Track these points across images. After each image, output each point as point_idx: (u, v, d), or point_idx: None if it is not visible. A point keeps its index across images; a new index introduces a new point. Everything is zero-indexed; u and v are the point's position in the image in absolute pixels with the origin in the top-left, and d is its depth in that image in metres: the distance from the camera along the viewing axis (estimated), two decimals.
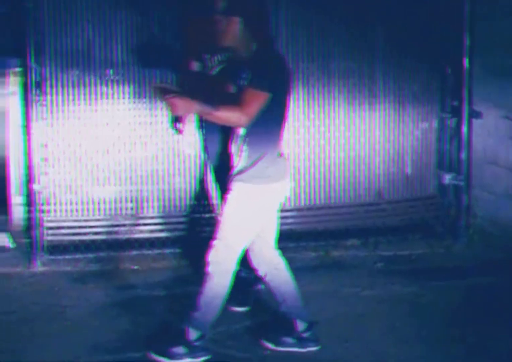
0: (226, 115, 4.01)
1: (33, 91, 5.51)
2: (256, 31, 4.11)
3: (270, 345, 4.44)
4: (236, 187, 4.19)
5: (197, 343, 4.28)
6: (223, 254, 4.21)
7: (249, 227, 4.25)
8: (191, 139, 5.53)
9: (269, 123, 4.11)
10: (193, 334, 4.27)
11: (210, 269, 4.21)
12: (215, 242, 4.22)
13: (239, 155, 4.18)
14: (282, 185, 4.26)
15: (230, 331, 4.63)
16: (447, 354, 4.37)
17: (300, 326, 4.42)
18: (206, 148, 4.92)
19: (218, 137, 4.71)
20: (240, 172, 4.17)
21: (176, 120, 5.10)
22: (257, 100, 4.00)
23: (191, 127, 5.00)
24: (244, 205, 4.20)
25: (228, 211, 4.22)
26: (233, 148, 4.23)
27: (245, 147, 4.15)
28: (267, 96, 4.02)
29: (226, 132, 4.35)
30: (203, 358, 4.28)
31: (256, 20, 4.12)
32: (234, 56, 4.30)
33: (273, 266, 4.41)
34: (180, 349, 4.26)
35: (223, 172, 4.42)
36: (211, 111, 4.00)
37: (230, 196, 4.22)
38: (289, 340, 4.42)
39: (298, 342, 4.42)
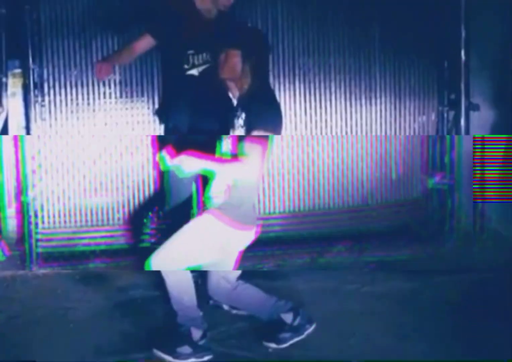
0: (232, 171, 3.96)
1: (33, 92, 5.54)
2: (255, 66, 4.12)
3: (273, 345, 4.46)
4: (206, 217, 4.13)
5: (200, 343, 4.33)
6: (164, 261, 4.13)
7: (197, 256, 4.15)
8: None
9: None
10: (196, 334, 4.34)
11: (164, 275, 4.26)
12: (161, 249, 4.15)
13: (220, 197, 4.12)
14: (247, 234, 4.21)
15: (231, 330, 4.64)
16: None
17: (288, 318, 4.46)
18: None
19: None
20: (214, 207, 4.11)
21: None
22: (259, 151, 3.95)
23: None
24: (203, 235, 4.12)
25: (187, 232, 4.15)
26: (215, 189, 4.14)
27: (226, 190, 4.10)
28: (267, 144, 4.00)
29: None
30: (206, 358, 4.32)
31: (256, 56, 4.15)
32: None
33: (230, 291, 4.40)
34: (185, 349, 4.30)
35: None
36: (217, 168, 3.95)
37: (197, 220, 4.17)
38: (287, 335, 4.46)
39: (295, 332, 4.46)
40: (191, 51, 4.87)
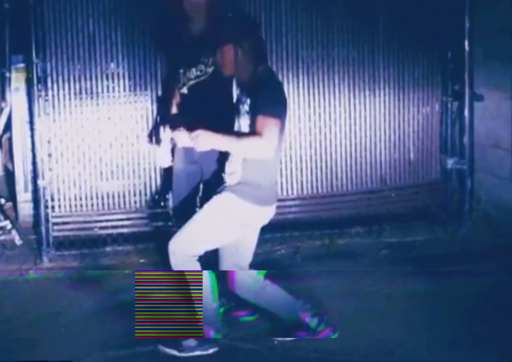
0: (249, 147, 3.96)
1: (37, 87, 5.49)
2: (252, 55, 4.08)
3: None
4: (227, 195, 4.13)
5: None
6: (181, 246, 4.15)
7: (219, 236, 4.18)
8: (166, 151, 4.93)
9: None
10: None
11: (172, 261, 4.17)
12: (179, 232, 4.17)
13: (234, 177, 4.12)
14: (268, 210, 4.21)
15: (237, 323, 4.60)
16: (454, 343, 4.36)
17: (313, 323, 4.39)
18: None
19: (213, 155, 4.56)
20: (235, 185, 4.11)
21: (154, 131, 5.09)
22: (276, 127, 3.95)
23: (167, 138, 4.78)
24: (225, 214, 4.13)
25: (208, 211, 4.16)
26: (228, 169, 4.16)
27: (240, 170, 4.10)
28: (280, 121, 4.00)
29: (223, 153, 4.27)
30: (212, 350, 4.28)
31: (250, 44, 4.09)
32: (215, 73, 4.31)
33: (258, 290, 4.35)
34: (190, 342, 4.27)
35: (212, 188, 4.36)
36: (234, 143, 3.97)
37: (217, 199, 4.16)
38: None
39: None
40: (181, 70, 4.88)
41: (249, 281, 4.32)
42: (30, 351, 4.35)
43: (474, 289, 4.99)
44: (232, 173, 4.11)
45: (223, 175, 4.19)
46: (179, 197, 4.96)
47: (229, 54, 4.07)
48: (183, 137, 4.10)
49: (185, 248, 4.15)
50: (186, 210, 4.66)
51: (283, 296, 4.39)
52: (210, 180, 4.68)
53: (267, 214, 4.22)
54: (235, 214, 4.12)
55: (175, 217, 4.99)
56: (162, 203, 5.81)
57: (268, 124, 3.91)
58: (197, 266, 4.22)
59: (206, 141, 3.96)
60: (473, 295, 4.90)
